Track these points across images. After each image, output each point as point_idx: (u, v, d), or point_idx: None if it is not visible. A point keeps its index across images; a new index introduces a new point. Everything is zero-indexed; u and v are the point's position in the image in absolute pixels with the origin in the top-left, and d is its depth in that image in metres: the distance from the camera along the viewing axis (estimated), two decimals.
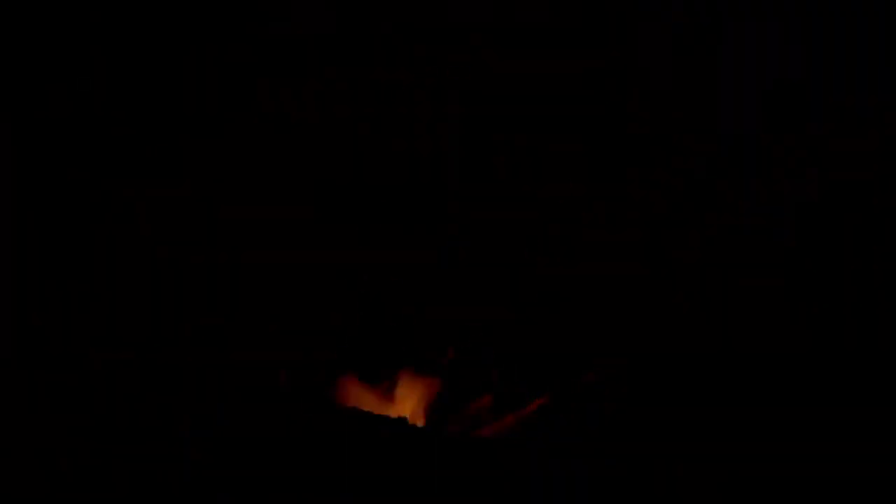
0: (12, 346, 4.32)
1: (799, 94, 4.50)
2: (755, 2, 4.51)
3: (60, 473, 3.75)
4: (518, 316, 4.54)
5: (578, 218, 4.56)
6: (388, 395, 4.46)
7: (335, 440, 3.80)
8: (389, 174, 4.58)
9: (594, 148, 4.56)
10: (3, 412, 3.96)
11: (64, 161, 4.50)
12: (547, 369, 4.43)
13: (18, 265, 4.43)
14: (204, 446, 3.78)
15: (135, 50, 4.54)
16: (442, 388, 4.47)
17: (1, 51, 4.49)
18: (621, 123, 4.56)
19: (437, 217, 4.58)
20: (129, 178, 4.52)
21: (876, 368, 4.29)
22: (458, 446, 3.87)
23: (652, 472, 3.97)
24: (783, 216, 4.48)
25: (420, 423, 4.38)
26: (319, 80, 4.57)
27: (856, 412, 4.19)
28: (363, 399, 4.43)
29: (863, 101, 4.48)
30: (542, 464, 3.87)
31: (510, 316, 4.55)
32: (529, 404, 4.27)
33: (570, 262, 4.54)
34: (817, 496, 3.97)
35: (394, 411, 4.39)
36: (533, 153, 4.57)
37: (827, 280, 4.43)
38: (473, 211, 4.58)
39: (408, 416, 4.19)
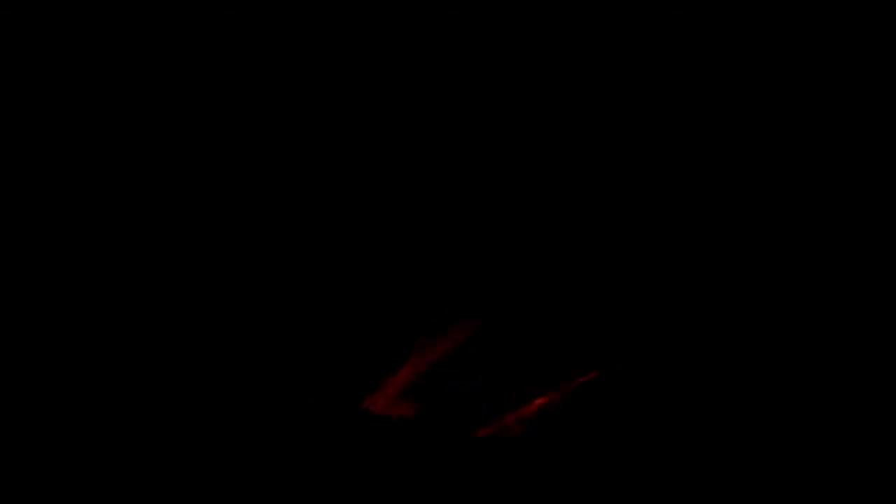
0: (12, 345, 4.32)
1: (802, 92, 4.50)
2: (757, 4, 4.51)
3: (60, 473, 3.75)
4: (518, 315, 4.54)
5: (577, 220, 4.56)
6: (388, 394, 4.46)
7: (335, 440, 3.80)
8: (389, 174, 4.59)
9: (594, 148, 4.56)
10: (3, 412, 3.96)
11: (63, 161, 4.50)
12: (547, 369, 4.43)
13: (18, 265, 4.43)
14: (204, 446, 3.78)
15: (134, 50, 4.54)
16: (442, 388, 4.47)
17: (1, 51, 4.49)
18: (622, 123, 4.56)
19: (437, 218, 4.58)
20: (131, 178, 4.52)
21: (876, 368, 4.29)
22: (459, 446, 3.88)
23: (652, 472, 3.97)
24: (783, 216, 4.49)
25: (419, 422, 4.38)
26: (319, 81, 4.58)
27: (856, 412, 4.19)
28: (364, 399, 4.44)
29: (863, 101, 4.48)
30: (542, 464, 3.87)
31: (510, 315, 4.55)
32: (529, 404, 4.27)
33: (571, 262, 4.55)
34: (817, 496, 3.97)
35: (393, 411, 4.39)
36: (532, 153, 4.58)
37: (826, 280, 4.43)
38: (473, 210, 4.58)
39: (407, 416, 4.19)
